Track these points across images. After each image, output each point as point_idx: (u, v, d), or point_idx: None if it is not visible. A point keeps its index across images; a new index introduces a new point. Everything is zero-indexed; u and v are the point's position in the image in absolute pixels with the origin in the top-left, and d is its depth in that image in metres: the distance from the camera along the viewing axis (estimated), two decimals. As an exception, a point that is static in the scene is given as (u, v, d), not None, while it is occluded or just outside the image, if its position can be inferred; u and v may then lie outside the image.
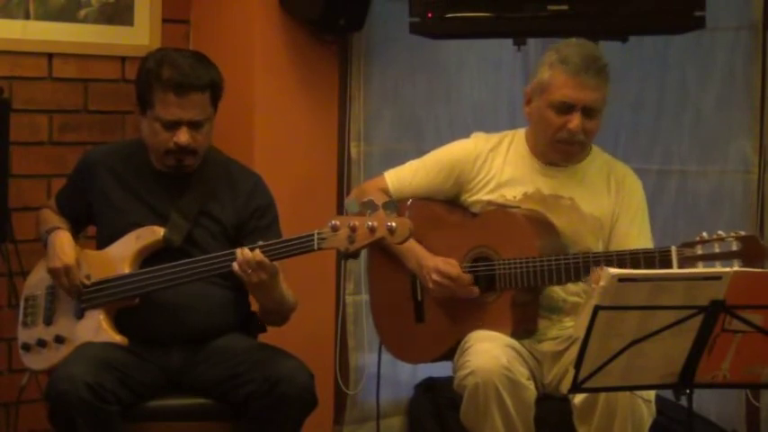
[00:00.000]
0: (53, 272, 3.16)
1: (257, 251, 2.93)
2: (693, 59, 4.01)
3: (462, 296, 3.21)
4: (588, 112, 3.17)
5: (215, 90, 3.14)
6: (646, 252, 3.00)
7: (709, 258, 2.86)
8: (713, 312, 2.48)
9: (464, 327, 3.21)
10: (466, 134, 3.45)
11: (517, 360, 3.10)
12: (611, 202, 3.27)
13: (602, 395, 2.95)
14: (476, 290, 3.20)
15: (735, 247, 2.84)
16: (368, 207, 2.82)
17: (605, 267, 2.48)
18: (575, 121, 3.17)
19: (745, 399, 3.84)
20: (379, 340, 3.49)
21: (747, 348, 2.55)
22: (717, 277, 2.46)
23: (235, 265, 2.95)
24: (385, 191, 3.37)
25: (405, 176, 3.41)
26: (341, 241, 2.85)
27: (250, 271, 2.94)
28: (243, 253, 2.94)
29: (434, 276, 3.22)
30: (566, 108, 3.17)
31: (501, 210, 3.26)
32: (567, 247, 3.22)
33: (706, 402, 3.78)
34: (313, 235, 2.89)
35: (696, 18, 3.45)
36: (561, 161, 3.28)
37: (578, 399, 3.02)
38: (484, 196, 3.31)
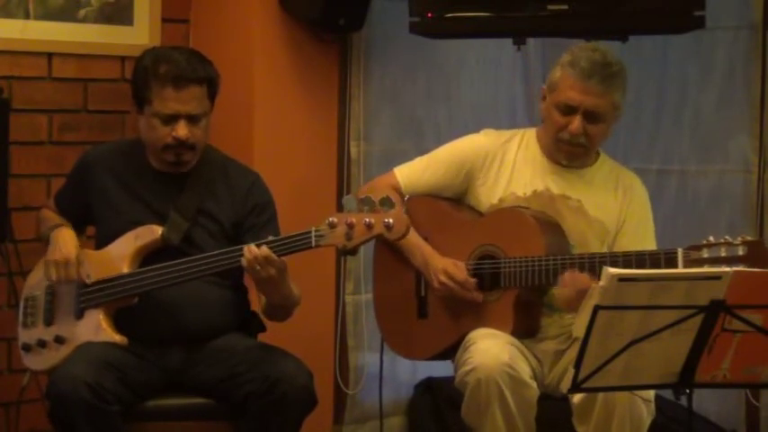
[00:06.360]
0: (52, 264, 3.14)
1: (264, 247, 2.93)
2: (693, 59, 4.01)
3: (465, 300, 3.22)
4: (591, 116, 3.19)
5: (211, 84, 3.15)
6: (651, 253, 3.01)
7: (714, 262, 2.86)
8: (713, 312, 2.49)
9: (466, 324, 3.22)
10: (465, 134, 3.46)
11: (520, 358, 3.11)
12: (617, 208, 3.29)
13: (601, 394, 2.95)
14: (479, 296, 3.21)
15: (741, 252, 2.84)
16: (365, 204, 2.84)
17: (605, 267, 2.48)
18: (575, 123, 3.19)
19: (745, 399, 3.84)
20: (381, 338, 3.49)
21: (747, 348, 2.55)
22: (717, 277, 2.46)
23: (243, 261, 2.95)
24: (396, 188, 3.38)
25: (415, 172, 3.42)
26: (338, 238, 2.86)
27: (258, 267, 2.93)
28: (250, 250, 2.94)
29: (442, 278, 3.23)
30: (569, 110, 3.19)
31: (509, 208, 3.27)
32: (573, 248, 3.23)
33: (706, 402, 3.77)
34: (310, 232, 2.90)
35: (696, 18, 3.45)
36: (564, 161, 3.29)
37: (577, 398, 3.03)
38: (494, 192, 3.32)
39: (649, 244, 3.27)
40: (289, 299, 3.12)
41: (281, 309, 3.17)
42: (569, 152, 3.26)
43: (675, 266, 2.92)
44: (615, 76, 3.19)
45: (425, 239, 3.33)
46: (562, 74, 3.21)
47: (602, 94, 3.17)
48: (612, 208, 3.29)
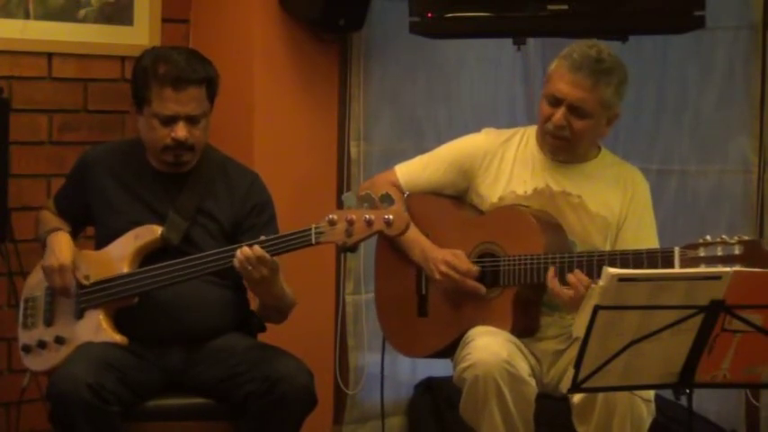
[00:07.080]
0: (47, 270, 3.15)
1: (257, 247, 2.94)
2: (693, 59, 4.01)
3: (468, 291, 3.21)
4: (575, 110, 3.18)
5: (211, 85, 3.16)
6: (648, 252, 3.01)
7: (711, 261, 2.85)
8: (713, 312, 2.49)
9: (465, 322, 3.22)
10: (465, 134, 3.46)
11: (518, 355, 3.11)
12: (619, 202, 3.28)
13: (601, 394, 2.95)
14: (482, 288, 3.21)
15: (737, 251, 2.84)
16: (365, 201, 2.85)
17: (605, 267, 2.48)
18: (557, 114, 3.18)
19: (745, 399, 3.84)
20: (383, 338, 3.50)
21: (747, 348, 2.55)
22: (717, 277, 2.46)
23: (235, 262, 2.96)
24: (396, 185, 3.38)
25: (415, 170, 3.43)
26: (338, 235, 2.86)
27: (250, 267, 2.94)
28: (242, 251, 2.95)
29: (442, 268, 3.23)
30: (555, 101, 3.19)
31: (509, 207, 3.28)
32: (575, 245, 3.23)
33: (706, 402, 3.77)
34: (310, 229, 2.90)
35: (696, 18, 3.45)
36: (548, 153, 3.29)
37: (577, 398, 3.03)
38: (494, 191, 3.32)
39: (651, 239, 3.27)
40: (281, 299, 3.12)
41: (274, 310, 3.18)
42: (553, 144, 3.26)
43: (672, 265, 2.92)
44: (606, 72, 3.16)
45: (426, 236, 3.34)
46: (556, 65, 3.21)
47: (590, 88, 3.15)
48: (614, 202, 3.28)
